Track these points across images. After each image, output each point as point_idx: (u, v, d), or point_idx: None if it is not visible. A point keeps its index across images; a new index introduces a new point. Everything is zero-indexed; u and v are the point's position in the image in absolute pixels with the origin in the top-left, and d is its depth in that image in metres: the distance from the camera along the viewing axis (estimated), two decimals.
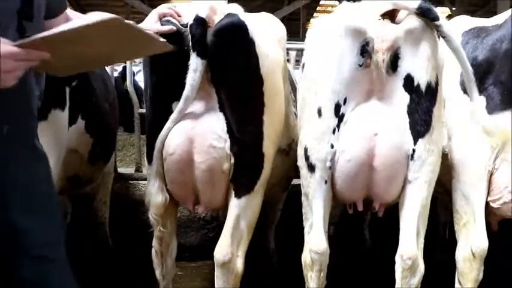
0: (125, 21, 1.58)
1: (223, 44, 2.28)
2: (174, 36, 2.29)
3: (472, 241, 2.59)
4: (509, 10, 2.60)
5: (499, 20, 2.65)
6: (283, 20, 10.55)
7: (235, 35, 2.30)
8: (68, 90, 2.82)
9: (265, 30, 2.56)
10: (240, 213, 2.49)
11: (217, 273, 2.50)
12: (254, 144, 2.48)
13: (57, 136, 2.71)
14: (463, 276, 2.65)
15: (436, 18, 2.18)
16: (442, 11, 16.19)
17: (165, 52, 1.92)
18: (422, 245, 2.46)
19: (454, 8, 13.70)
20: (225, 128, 2.38)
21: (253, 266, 3.67)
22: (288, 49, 4.11)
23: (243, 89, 2.39)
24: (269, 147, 2.54)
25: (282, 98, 2.67)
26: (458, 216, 2.68)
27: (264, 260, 3.83)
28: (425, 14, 2.19)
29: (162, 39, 1.83)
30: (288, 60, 4.03)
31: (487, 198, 2.60)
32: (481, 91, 2.53)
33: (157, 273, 2.73)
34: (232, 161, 2.40)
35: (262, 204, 2.68)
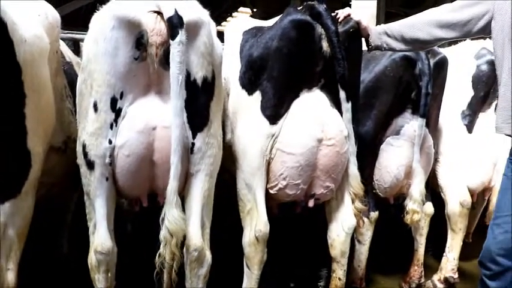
0: None
1: None
2: None
3: (255, 227, 2.76)
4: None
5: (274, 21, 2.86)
6: (83, 10, 9.97)
7: None
8: None
9: (25, 14, 2.30)
10: (7, 220, 2.22)
11: None
12: (15, 141, 2.23)
13: None
14: (249, 259, 2.83)
15: (173, 38, 2.14)
16: (244, 11, 17.27)
17: None
18: (208, 236, 2.54)
19: (255, 10, 14.73)
20: None
21: (41, 275, 3.41)
22: (80, 40, 3.87)
23: None
24: (37, 144, 2.32)
25: (50, 91, 2.45)
26: (243, 204, 2.84)
27: (56, 266, 3.54)
28: (170, 28, 2.16)
29: None
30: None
31: (266, 186, 2.80)
32: (257, 86, 2.71)
33: None
34: None
35: (50, 206, 2.44)
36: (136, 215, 3.78)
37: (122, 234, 2.84)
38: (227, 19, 16.95)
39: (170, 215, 2.21)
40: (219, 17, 17.06)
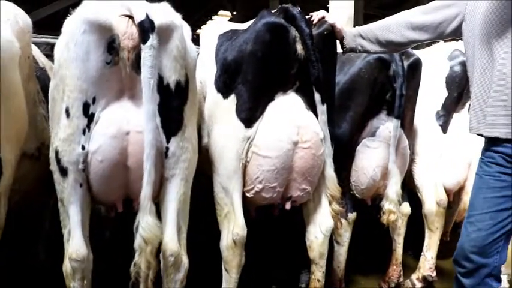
0: None
1: None
2: None
3: (232, 230, 2.75)
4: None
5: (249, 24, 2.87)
6: (59, 14, 9.86)
7: None
8: None
9: None
10: None
11: None
12: None
13: None
14: (227, 263, 2.82)
15: (144, 42, 2.11)
16: (223, 15, 17.27)
17: None
18: (185, 241, 2.52)
19: (235, 12, 14.73)
20: None
21: (17, 283, 3.35)
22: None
23: None
24: (9, 151, 2.29)
25: (21, 96, 2.42)
26: (220, 208, 2.83)
27: (32, 274, 3.48)
28: (142, 32, 2.13)
29: None
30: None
31: (243, 189, 2.80)
32: (232, 90, 2.71)
33: None
34: None
35: (25, 213, 2.40)
36: (113, 221, 3.76)
37: (99, 241, 2.81)
38: (207, 22, 16.95)
39: (144, 222, 2.18)
40: (199, 20, 17.04)
